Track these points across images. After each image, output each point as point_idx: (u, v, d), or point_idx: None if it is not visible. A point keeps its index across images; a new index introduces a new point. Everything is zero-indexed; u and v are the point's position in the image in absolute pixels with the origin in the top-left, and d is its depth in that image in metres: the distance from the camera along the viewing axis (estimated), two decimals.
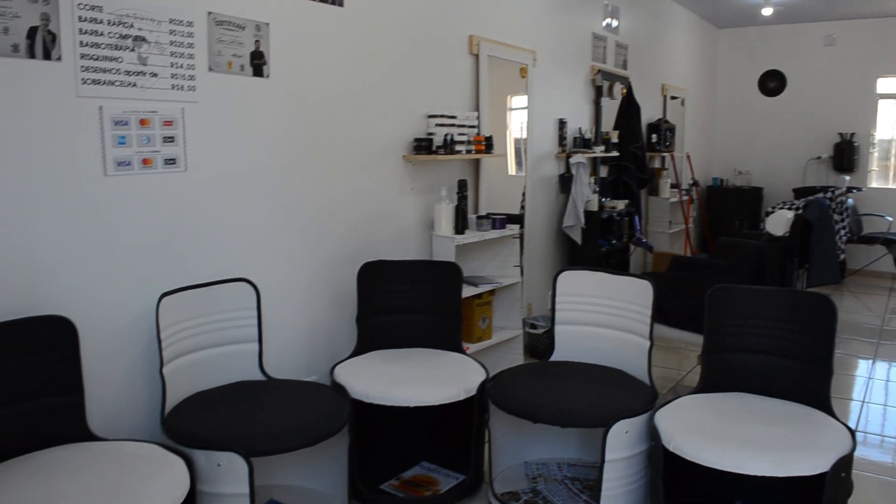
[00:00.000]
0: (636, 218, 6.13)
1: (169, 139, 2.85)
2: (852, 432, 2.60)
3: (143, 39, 2.72)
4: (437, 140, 4.04)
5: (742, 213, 9.04)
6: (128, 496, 2.03)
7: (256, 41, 3.16)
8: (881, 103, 8.95)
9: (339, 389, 2.97)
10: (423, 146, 3.98)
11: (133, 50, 2.69)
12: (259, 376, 3.07)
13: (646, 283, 3.14)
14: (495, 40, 4.70)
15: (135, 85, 2.71)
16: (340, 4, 3.56)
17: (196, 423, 2.54)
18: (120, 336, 2.72)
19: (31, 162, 2.42)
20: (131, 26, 2.68)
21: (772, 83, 9.52)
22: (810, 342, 2.81)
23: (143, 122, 2.75)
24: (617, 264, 5.99)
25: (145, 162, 2.77)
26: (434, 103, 4.19)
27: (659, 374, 5.04)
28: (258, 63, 3.18)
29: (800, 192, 8.50)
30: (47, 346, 2.38)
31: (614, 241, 5.78)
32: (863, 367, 5.34)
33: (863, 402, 4.58)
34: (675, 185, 7.72)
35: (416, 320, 3.50)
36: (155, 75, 2.78)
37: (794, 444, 2.46)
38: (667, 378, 4.93)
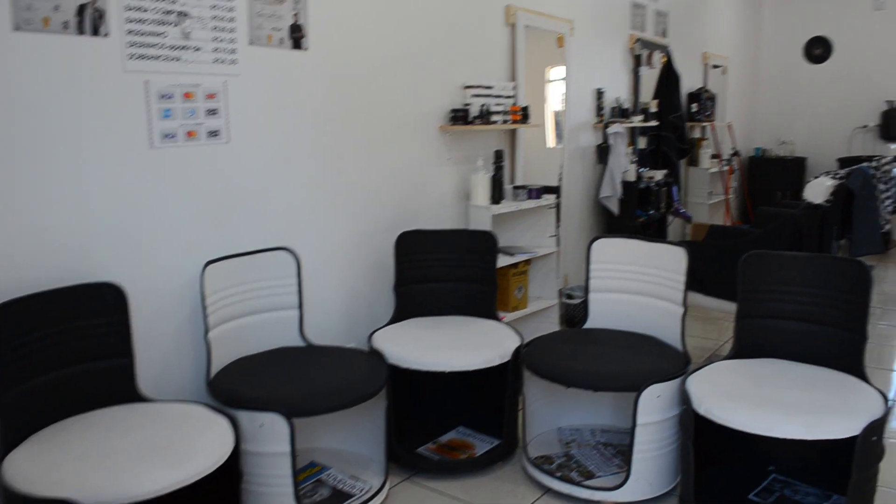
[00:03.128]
0: (674, 188, 6.10)
1: (212, 112, 2.93)
2: (885, 397, 2.60)
3: (186, 14, 2.80)
4: (474, 110, 4.08)
5: (784, 184, 8.90)
6: (177, 451, 2.14)
7: (295, 14, 3.22)
8: None
9: (376, 355, 3.06)
10: (459, 117, 4.02)
11: (176, 25, 2.78)
12: (300, 342, 3.17)
13: (680, 249, 3.17)
14: (532, 10, 4.70)
15: (179, 59, 2.79)
16: None
17: (240, 386, 2.65)
18: (168, 302, 2.83)
19: (82, 135, 2.52)
20: (174, 2, 2.76)
21: (817, 50, 9.31)
22: (845, 308, 2.82)
23: (187, 96, 2.84)
24: (654, 234, 5.98)
25: (189, 134, 2.86)
26: (471, 74, 4.22)
27: (696, 344, 5.06)
28: (297, 36, 3.25)
29: (845, 162, 8.34)
30: (99, 312, 2.49)
31: (652, 212, 5.77)
32: None
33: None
34: (715, 156, 7.64)
35: (452, 288, 3.57)
36: (198, 49, 2.86)
37: (826, 407, 2.48)
38: (704, 348, 4.94)
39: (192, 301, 2.91)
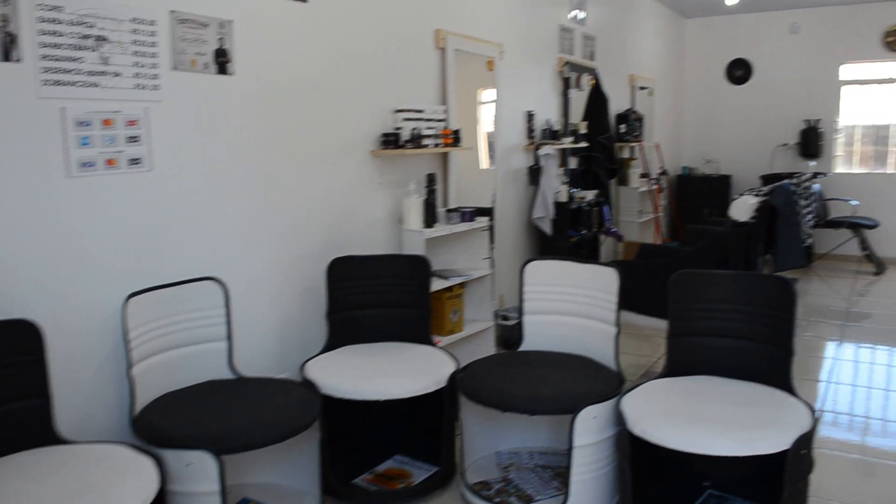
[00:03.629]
0: (606, 208, 6.18)
1: (133, 139, 2.84)
2: (812, 410, 2.65)
3: (105, 39, 2.71)
4: (405, 134, 4.05)
5: (711, 201, 9.13)
6: (95, 498, 2.03)
7: (220, 39, 3.16)
8: (844, 90, 9.08)
9: (309, 385, 2.99)
10: (390, 141, 4.00)
11: (94, 50, 2.68)
12: (229, 375, 3.07)
13: (611, 270, 3.19)
14: (462, 34, 4.72)
15: (97, 85, 2.70)
16: (304, 0, 3.56)
17: (165, 423, 2.55)
18: (88, 337, 2.71)
19: None
20: (92, 26, 2.67)
21: (739, 72, 9.62)
22: (771, 324, 2.87)
23: (106, 123, 2.74)
24: (587, 254, 6.04)
25: (109, 162, 2.76)
26: (401, 98, 4.20)
27: (631, 361, 5.11)
28: (222, 61, 3.18)
29: (767, 179, 8.62)
30: (12, 350, 2.37)
31: (584, 232, 5.83)
32: (830, 348, 5.44)
33: (829, 382, 4.66)
34: (644, 175, 7.78)
35: (385, 314, 3.52)
36: (118, 75, 2.76)
37: (757, 423, 2.51)
38: (639, 365, 4.99)
39: (115, 335, 2.79)
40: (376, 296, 3.53)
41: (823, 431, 3.91)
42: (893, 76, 8.84)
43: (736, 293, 2.95)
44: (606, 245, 7.04)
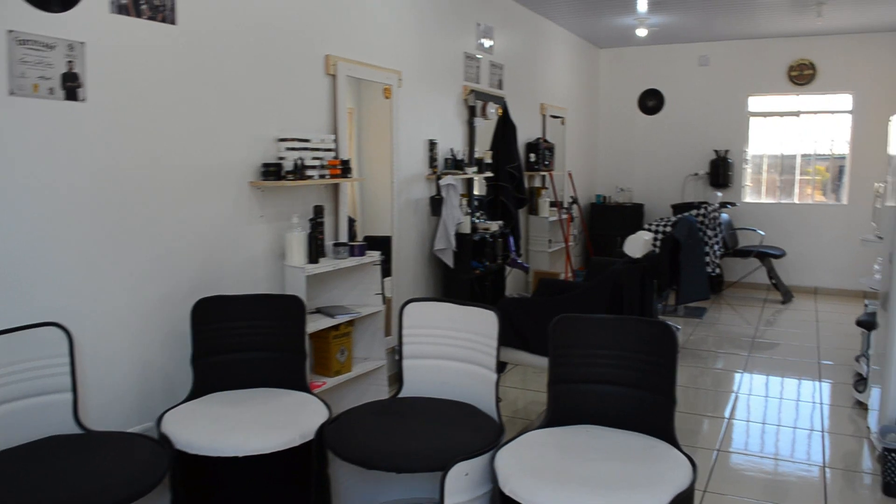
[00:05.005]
0: (511, 239, 6.06)
1: None
2: (693, 464, 2.52)
3: None
4: (288, 165, 3.84)
5: (624, 230, 9.01)
6: None
7: (69, 62, 2.90)
8: (752, 121, 9.24)
9: (162, 440, 2.72)
10: (271, 172, 3.77)
11: None
12: (74, 429, 2.78)
13: (490, 313, 3.02)
14: (355, 60, 4.54)
15: None
16: (172, 22, 3.32)
17: None
18: None
19: None
20: None
21: (651, 102, 9.71)
22: (653, 371, 2.74)
23: None
24: (492, 287, 5.90)
25: None
26: (288, 126, 3.99)
27: (530, 399, 4.96)
28: (72, 86, 2.91)
29: (678, 208, 8.67)
30: None
31: (487, 263, 5.68)
32: (735, 380, 5.40)
33: (735, 420, 4.59)
34: (554, 204, 7.72)
35: (256, 358, 3.28)
36: None
37: (633, 481, 2.36)
38: (537, 402, 4.84)
39: None
40: (246, 338, 3.28)
41: (718, 474, 3.81)
42: (797, 108, 9.03)
43: (618, 338, 2.81)
44: (514, 277, 6.93)
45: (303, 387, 3.27)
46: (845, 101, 8.80)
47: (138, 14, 3.16)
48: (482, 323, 3.05)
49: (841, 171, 8.97)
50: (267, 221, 3.89)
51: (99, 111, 3.00)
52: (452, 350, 3.15)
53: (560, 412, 2.87)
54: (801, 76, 8.87)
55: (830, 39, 8.69)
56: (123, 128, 3.11)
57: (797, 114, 9.06)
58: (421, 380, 3.20)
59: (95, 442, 2.67)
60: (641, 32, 8.15)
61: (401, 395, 3.21)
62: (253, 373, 3.27)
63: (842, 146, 8.91)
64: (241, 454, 2.69)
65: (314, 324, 3.79)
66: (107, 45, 3.02)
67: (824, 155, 9.07)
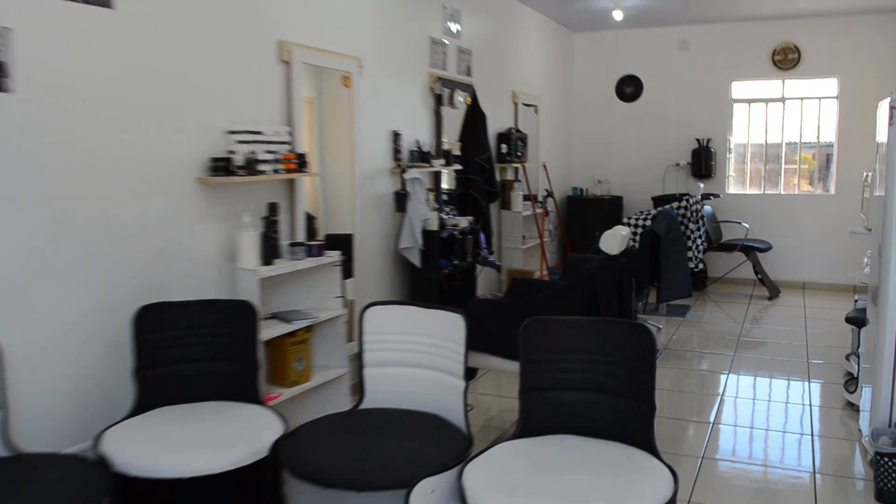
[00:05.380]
0: (481, 235, 6.01)
1: None
2: (674, 474, 2.50)
3: None
4: (238, 159, 3.76)
5: (603, 224, 8.98)
6: None
7: None
8: (736, 107, 9.29)
9: (99, 461, 2.64)
10: (221, 167, 3.69)
11: None
12: (3, 451, 2.69)
13: (457, 317, 2.97)
14: (311, 46, 4.46)
15: None
16: (108, 5, 3.22)
17: None
18: None
19: None
20: None
21: (629, 88, 9.72)
22: (630, 376, 2.71)
23: None
24: (462, 287, 5.86)
25: None
26: (237, 117, 3.90)
27: (504, 406, 4.92)
28: None
29: (658, 201, 8.68)
30: None
31: (457, 262, 5.64)
32: (721, 382, 5.41)
33: (721, 424, 4.59)
34: (528, 198, 7.69)
35: (205, 370, 3.21)
36: None
37: (611, 494, 2.33)
38: (511, 410, 4.80)
39: None
40: (194, 348, 3.21)
41: (703, 482, 3.80)
42: (782, 94, 9.09)
43: (592, 341, 2.77)
44: (485, 276, 6.89)
45: (256, 399, 3.21)
46: (831, 85, 8.88)
47: None
48: (449, 327, 3.00)
49: (828, 159, 9.04)
50: (216, 220, 3.80)
51: (29, 103, 2.90)
52: (417, 357, 3.10)
53: (533, 422, 2.83)
54: (786, 60, 8.93)
55: (815, 21, 8.75)
56: (56, 121, 3.01)
57: (782, 100, 9.12)
58: (384, 389, 3.15)
59: (27, 465, 2.59)
60: (618, 15, 8.16)
61: (362, 407, 3.16)
62: (201, 385, 3.20)
63: (829, 133, 8.99)
64: (187, 475, 2.62)
65: (269, 330, 3.71)
66: (36, 31, 2.92)
67: (811, 143, 9.14)
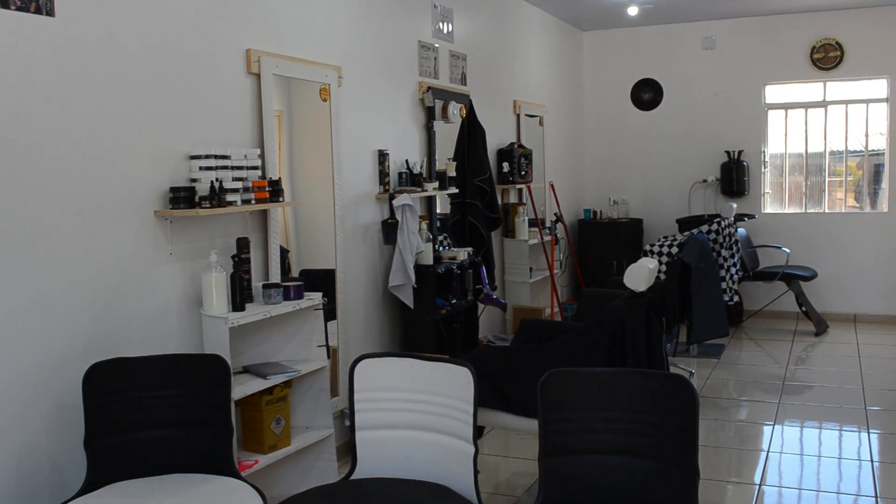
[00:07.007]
0: (483, 269, 6.03)
1: None
2: None
3: None
4: (202, 188, 3.76)
5: (621, 251, 9.15)
6: None
7: None
8: (770, 114, 9.37)
9: None
10: (182, 197, 3.69)
11: None
12: None
13: (464, 370, 2.97)
14: (283, 55, 4.49)
15: None
16: (50, 13, 3.24)
17: None
18: None
19: None
20: None
21: (646, 94, 9.81)
22: (669, 436, 2.71)
23: None
24: (462, 329, 5.86)
25: None
26: (200, 139, 3.92)
27: (514, 469, 4.91)
28: None
29: (684, 224, 8.73)
30: None
31: (455, 301, 5.64)
32: (765, 435, 5.41)
33: (766, 485, 4.58)
34: (534, 223, 7.72)
35: (169, 437, 3.21)
36: None
37: None
38: (523, 473, 4.79)
39: None
40: (155, 412, 3.21)
41: None
42: (823, 98, 9.17)
43: (623, 398, 2.78)
44: (489, 315, 6.90)
45: (229, 470, 3.21)
46: (880, 87, 8.98)
47: (5, 4, 3.07)
48: (454, 382, 3.00)
49: (878, 171, 9.11)
50: (178, 260, 3.80)
51: None
52: (418, 417, 3.10)
53: (555, 492, 2.82)
54: (827, 59, 9.03)
55: (860, 13, 8.87)
56: None
57: (823, 104, 9.21)
58: (379, 456, 3.14)
59: None
60: (633, 11, 8.26)
61: (354, 477, 3.15)
62: (165, 455, 3.21)
63: (878, 141, 9.06)
64: None
65: (242, 387, 3.70)
66: None
67: (857, 151, 9.21)
